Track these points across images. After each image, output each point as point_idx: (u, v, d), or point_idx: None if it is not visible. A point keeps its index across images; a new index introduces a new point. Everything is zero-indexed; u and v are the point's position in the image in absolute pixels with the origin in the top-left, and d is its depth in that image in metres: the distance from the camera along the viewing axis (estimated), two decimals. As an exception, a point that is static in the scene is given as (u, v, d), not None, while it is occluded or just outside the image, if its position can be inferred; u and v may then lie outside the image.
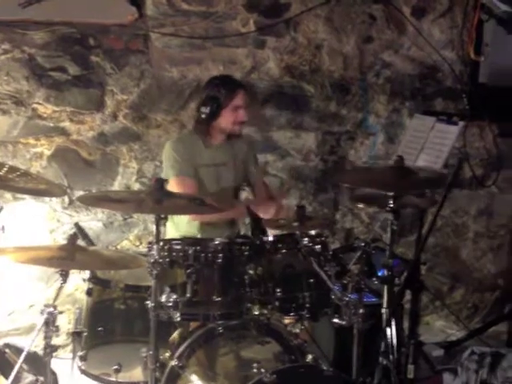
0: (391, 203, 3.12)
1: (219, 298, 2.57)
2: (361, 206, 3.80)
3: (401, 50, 3.97)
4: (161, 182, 2.49)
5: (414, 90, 4.02)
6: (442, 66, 4.02)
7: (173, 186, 3.05)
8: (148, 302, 2.39)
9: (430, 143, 3.54)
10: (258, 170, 3.44)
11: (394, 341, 3.02)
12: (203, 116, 3.15)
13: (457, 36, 3.98)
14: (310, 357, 2.64)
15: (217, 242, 2.61)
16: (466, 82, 4.01)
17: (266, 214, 3.12)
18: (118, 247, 3.60)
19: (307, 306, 2.69)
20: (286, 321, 2.85)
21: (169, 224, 3.14)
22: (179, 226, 3.20)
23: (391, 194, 3.16)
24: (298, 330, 2.84)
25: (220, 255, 2.58)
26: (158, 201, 2.43)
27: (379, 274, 3.27)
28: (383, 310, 3.07)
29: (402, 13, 3.89)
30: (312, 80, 3.87)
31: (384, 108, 4.01)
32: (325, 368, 2.56)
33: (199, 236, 3.13)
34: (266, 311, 2.64)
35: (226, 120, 3.17)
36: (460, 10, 3.93)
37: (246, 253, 2.62)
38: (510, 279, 3.96)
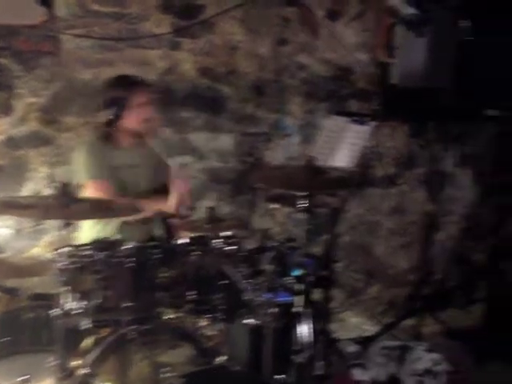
0: (304, 203, 3.19)
1: (130, 303, 2.56)
2: (275, 206, 3.86)
3: (315, 53, 4.04)
4: (67, 187, 2.45)
5: (329, 91, 4.11)
6: (356, 68, 4.12)
7: (89, 190, 3.02)
8: (53, 310, 2.36)
9: (343, 143, 3.62)
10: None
11: (307, 338, 3.09)
12: (108, 119, 3.11)
13: (369, 39, 4.09)
14: (221, 358, 2.67)
15: (127, 247, 2.59)
16: (378, 84, 4.13)
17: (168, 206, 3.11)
18: (28, 254, 3.52)
19: (221, 307, 2.71)
20: (202, 323, 2.87)
21: (87, 226, 3.11)
22: (96, 228, 3.16)
23: (303, 193, 3.23)
24: (212, 332, 2.86)
25: (130, 259, 2.57)
26: (65, 206, 2.40)
27: (294, 273, 3.34)
28: (297, 309, 3.15)
29: (315, 16, 3.97)
30: (228, 81, 3.90)
31: (300, 109, 4.08)
32: (236, 369, 2.60)
33: (118, 236, 3.10)
34: (178, 315, 2.65)
35: (130, 120, 3.12)
36: (372, 13, 4.04)
37: (158, 256, 2.62)
38: (421, 275, 4.10)
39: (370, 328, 4.06)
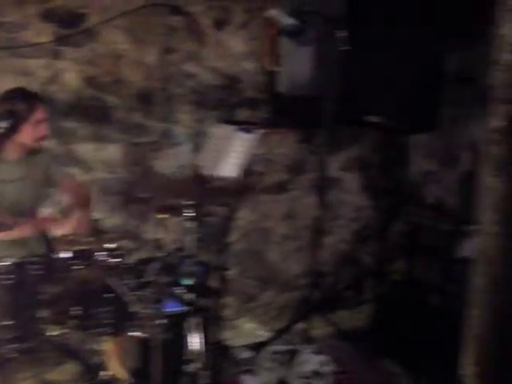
0: (191, 212, 3.18)
1: (11, 321, 2.47)
2: (164, 216, 3.83)
3: (202, 61, 4.05)
4: None
5: (218, 100, 4.12)
6: (243, 77, 4.16)
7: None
8: None
9: (230, 152, 3.64)
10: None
11: (198, 348, 3.09)
12: (0, 131, 2.99)
13: (256, 47, 4.14)
14: (107, 373, 2.63)
15: (6, 264, 2.51)
16: (266, 92, 4.18)
17: (65, 227, 3.03)
18: None
19: (107, 321, 2.66)
20: (88, 338, 2.80)
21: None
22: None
23: (190, 203, 3.22)
24: (100, 347, 2.81)
25: (10, 276, 2.49)
26: None
27: (184, 282, 3.33)
28: (188, 318, 3.13)
29: (201, 25, 3.98)
30: (114, 91, 3.84)
31: (189, 118, 4.07)
32: (123, 382, 2.56)
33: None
34: (63, 331, 2.58)
35: (26, 135, 3.02)
36: (257, 22, 4.09)
37: (38, 272, 2.55)
38: (312, 278, 4.18)
39: (263, 333, 4.11)
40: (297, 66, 4.02)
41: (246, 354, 3.71)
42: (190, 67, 4.03)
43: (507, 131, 1.24)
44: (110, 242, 2.79)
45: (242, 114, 4.17)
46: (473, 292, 1.33)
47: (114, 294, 2.71)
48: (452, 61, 3.94)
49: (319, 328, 4.14)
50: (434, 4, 3.67)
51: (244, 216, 4.25)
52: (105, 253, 2.72)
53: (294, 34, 3.49)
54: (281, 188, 4.35)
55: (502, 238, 1.27)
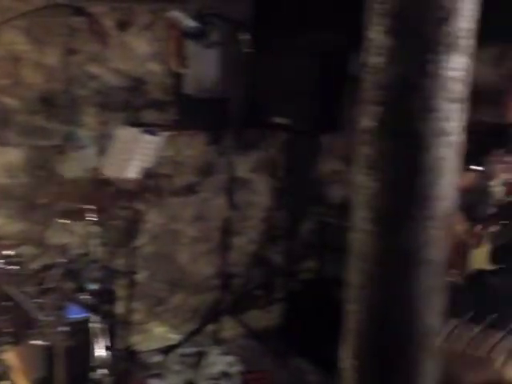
0: (96, 216, 3.13)
1: None
2: (68, 221, 3.75)
3: (106, 63, 3.99)
4: None
5: (123, 102, 4.07)
6: (150, 79, 4.13)
7: None
8: None
9: (135, 154, 3.60)
10: None
11: (104, 354, 3.04)
12: None
13: (161, 49, 4.11)
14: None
15: None
16: (173, 94, 4.17)
17: None
18: None
19: (7, 330, 2.60)
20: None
21: None
22: None
23: (95, 206, 3.17)
24: (1, 357, 2.74)
25: None
26: None
27: (89, 288, 3.27)
28: (93, 324, 3.09)
29: (104, 26, 3.92)
30: (14, 93, 3.73)
31: (94, 120, 3.99)
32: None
33: None
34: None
35: None
36: (162, 23, 4.07)
37: None
38: (223, 279, 4.20)
39: (174, 337, 4.09)
40: (203, 67, 4.03)
41: (156, 358, 3.68)
42: (94, 69, 3.96)
43: (376, 132, 1.28)
44: (9, 248, 2.72)
45: (149, 116, 4.14)
46: (350, 288, 1.37)
47: (13, 302, 2.65)
48: (354, 62, 4.04)
49: (230, 329, 4.16)
50: (334, 6, 3.76)
51: (152, 219, 4.21)
52: (2, 260, 2.65)
53: (196, 36, 3.49)
54: (190, 190, 4.34)
55: (374, 236, 1.32)
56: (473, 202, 2.97)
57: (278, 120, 4.12)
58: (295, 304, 4.24)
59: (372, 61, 1.27)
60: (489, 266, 2.94)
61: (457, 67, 1.25)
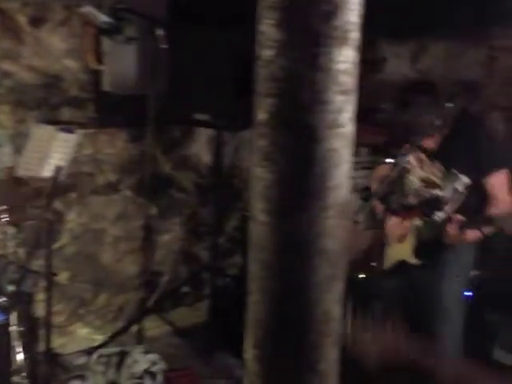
0: (7, 217, 3.05)
1: None
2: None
3: (21, 60, 3.88)
4: None
5: (39, 99, 3.97)
6: (66, 75, 4.04)
7: None
8: None
9: (52, 152, 3.52)
10: None
11: (24, 357, 2.98)
12: None
13: (78, 45, 4.03)
14: None
15: None
16: (91, 91, 4.10)
17: None
18: None
19: None
20: None
21: None
22: None
23: (7, 207, 3.09)
24: None
25: None
26: None
27: (7, 290, 3.19)
28: (12, 327, 3.02)
29: (17, 22, 3.82)
30: None
31: (8, 118, 3.88)
32: None
33: None
34: None
35: None
36: (77, 19, 3.99)
37: None
38: (149, 278, 4.16)
39: (99, 338, 4.03)
40: (120, 64, 3.97)
41: (79, 360, 3.62)
42: (7, 66, 3.85)
43: (270, 124, 1.30)
44: None
45: (66, 113, 4.05)
46: (250, 278, 1.38)
47: None
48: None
49: (155, 328, 4.14)
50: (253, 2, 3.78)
51: (74, 218, 4.14)
52: None
53: (111, 32, 3.44)
54: (112, 188, 4.28)
55: (271, 227, 1.34)
56: (389, 193, 3.04)
57: (200, 116, 4.11)
58: (221, 300, 4.24)
59: (263, 54, 1.28)
60: (412, 260, 3.02)
61: (346, 60, 1.28)
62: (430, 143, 3.00)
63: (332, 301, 1.38)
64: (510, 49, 5.23)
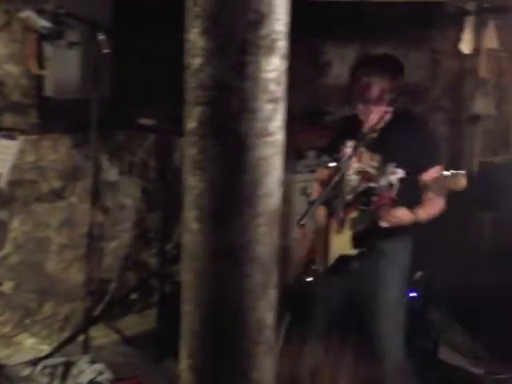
0: None
1: None
2: None
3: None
4: None
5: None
6: (8, 81, 3.95)
7: None
8: None
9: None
10: None
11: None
12: None
13: (19, 50, 3.96)
14: None
15: None
16: (33, 96, 4.02)
17: None
18: None
19: None
20: None
21: None
22: None
23: None
24: None
25: None
26: None
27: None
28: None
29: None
30: None
31: None
32: None
33: None
34: None
35: None
36: (18, 24, 3.91)
37: None
38: (96, 286, 4.10)
39: (47, 348, 3.95)
40: (62, 69, 3.91)
41: (24, 371, 3.55)
42: None
43: (199, 132, 1.30)
44: None
45: (7, 119, 3.96)
46: (183, 288, 1.38)
47: None
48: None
49: (104, 336, 4.08)
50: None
51: (17, 227, 4.04)
52: None
53: (52, 37, 3.38)
54: (56, 195, 4.20)
55: (202, 235, 1.33)
56: (331, 195, 3.07)
57: (145, 121, 4.08)
58: (170, 306, 4.21)
59: (192, 62, 1.28)
60: (351, 251, 3.06)
61: (274, 69, 1.29)
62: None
63: (265, 308, 1.38)
64: (451, 52, 5.36)
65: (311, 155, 4.81)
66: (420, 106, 5.39)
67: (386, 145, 2.99)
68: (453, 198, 3.17)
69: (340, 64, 5.17)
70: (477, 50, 5.25)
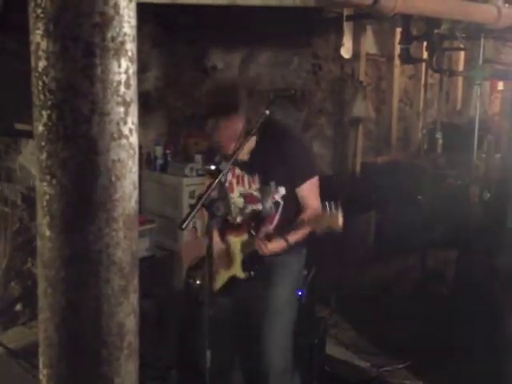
0: None
1: None
2: None
3: None
4: None
5: None
6: None
7: None
8: None
9: None
10: None
11: None
12: None
13: None
14: None
15: None
16: None
17: None
18: None
19: None
20: None
21: None
22: None
23: None
24: None
25: None
26: None
27: None
28: None
29: None
30: None
31: None
32: None
33: None
34: None
35: None
36: None
37: None
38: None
39: None
40: None
41: None
42: None
43: (48, 137, 1.27)
44: None
45: None
46: (39, 295, 1.34)
47: None
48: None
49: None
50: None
51: None
52: None
53: None
54: None
55: (56, 242, 1.30)
56: (213, 201, 3.05)
57: (22, 127, 3.94)
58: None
59: (37, 65, 1.25)
60: (242, 275, 3.05)
61: (122, 71, 1.28)
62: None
63: (126, 313, 1.36)
64: (332, 57, 5.54)
65: (198, 159, 4.83)
66: (305, 111, 5.54)
67: (260, 165, 2.95)
68: (336, 199, 3.25)
69: (226, 68, 5.23)
70: (356, 55, 5.46)
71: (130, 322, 1.39)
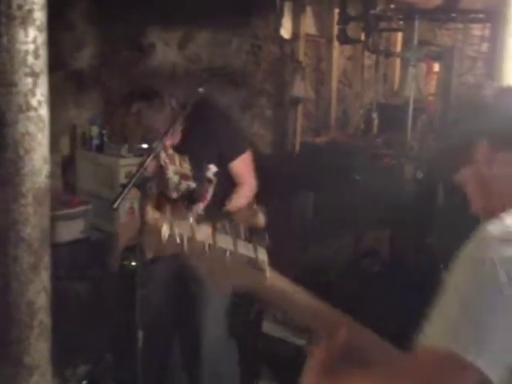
0: None
1: None
2: None
3: None
4: None
5: None
6: None
7: None
8: None
9: None
10: None
11: None
12: None
13: None
14: None
15: None
16: None
17: None
18: None
19: None
20: None
21: None
22: None
23: None
24: None
25: None
26: None
27: None
28: None
29: None
30: None
31: None
32: None
33: None
34: None
35: None
36: None
37: None
38: None
39: None
40: None
41: None
42: None
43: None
44: None
45: None
46: None
47: None
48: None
49: None
50: None
51: None
52: None
53: None
54: None
55: None
56: (145, 180, 3.02)
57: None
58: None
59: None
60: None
61: (31, 41, 1.24)
62: (171, 141, 2.99)
63: (36, 291, 1.33)
64: (272, 37, 5.52)
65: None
66: (244, 91, 5.51)
67: (191, 145, 2.97)
68: (275, 178, 3.25)
69: (163, 47, 5.14)
70: (296, 36, 5.45)
71: (42, 300, 1.36)
